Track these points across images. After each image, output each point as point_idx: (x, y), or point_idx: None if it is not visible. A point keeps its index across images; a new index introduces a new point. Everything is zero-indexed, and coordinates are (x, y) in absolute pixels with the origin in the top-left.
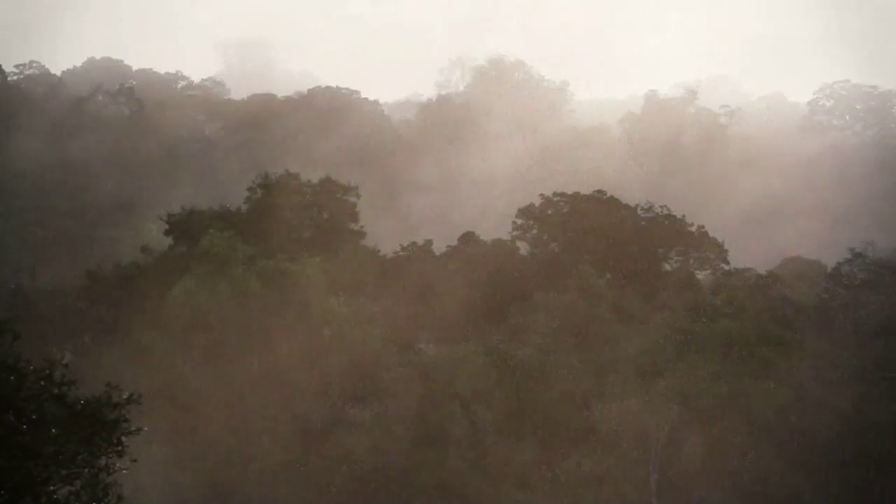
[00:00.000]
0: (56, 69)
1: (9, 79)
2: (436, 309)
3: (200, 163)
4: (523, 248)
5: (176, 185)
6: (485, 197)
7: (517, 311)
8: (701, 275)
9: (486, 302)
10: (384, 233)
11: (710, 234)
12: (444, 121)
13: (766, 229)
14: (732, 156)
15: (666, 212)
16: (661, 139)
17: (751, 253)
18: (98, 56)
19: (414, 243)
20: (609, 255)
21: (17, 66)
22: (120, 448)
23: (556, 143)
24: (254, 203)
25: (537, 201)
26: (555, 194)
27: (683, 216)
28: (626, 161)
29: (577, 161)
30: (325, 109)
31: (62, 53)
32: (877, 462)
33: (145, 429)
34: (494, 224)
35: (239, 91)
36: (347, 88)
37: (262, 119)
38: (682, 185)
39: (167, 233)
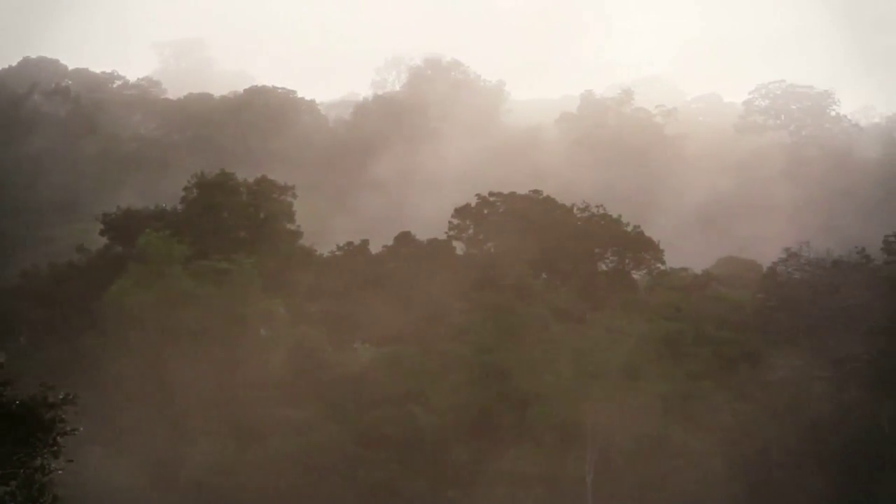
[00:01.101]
0: None
1: None
2: (373, 309)
3: (137, 162)
4: (459, 247)
5: (112, 185)
6: (431, 196)
7: (454, 311)
8: (637, 275)
9: (422, 302)
10: (333, 232)
11: (647, 233)
12: (381, 120)
13: (703, 229)
14: (669, 156)
15: (602, 212)
16: (598, 139)
17: (689, 252)
18: (33, 55)
19: (350, 243)
20: (545, 255)
21: None
22: (56, 448)
23: (495, 142)
24: (190, 203)
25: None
26: (491, 194)
27: (620, 216)
28: (563, 161)
29: (516, 161)
30: (262, 109)
31: None
32: (817, 461)
33: (81, 429)
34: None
35: (175, 91)
36: (284, 88)
37: (198, 119)
38: (618, 185)
39: (103, 233)
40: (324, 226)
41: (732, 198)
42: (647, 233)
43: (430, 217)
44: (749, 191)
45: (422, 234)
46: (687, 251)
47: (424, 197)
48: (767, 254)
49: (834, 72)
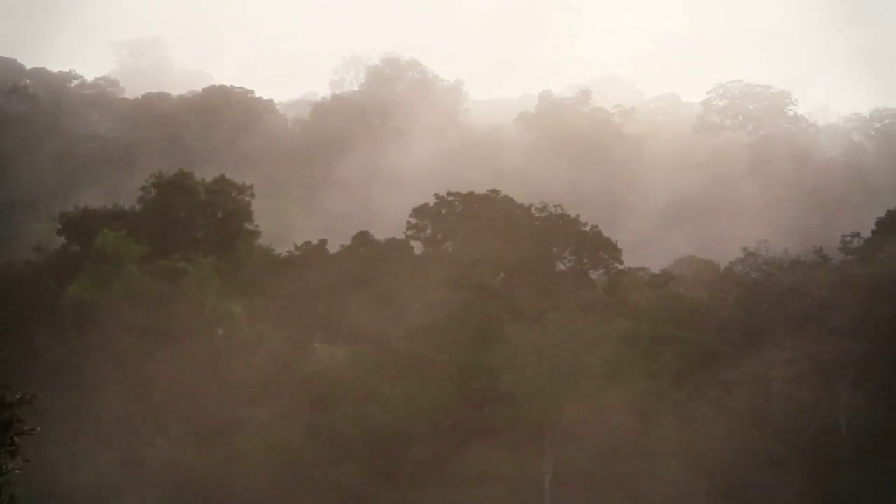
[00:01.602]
0: None
1: None
2: (331, 308)
3: (95, 162)
4: (418, 247)
5: (71, 185)
6: (391, 195)
7: (412, 310)
8: (595, 274)
9: (380, 301)
10: (296, 231)
11: (606, 233)
12: (340, 120)
13: (664, 228)
14: (628, 155)
15: (560, 211)
16: (556, 139)
17: (651, 252)
18: None
19: (308, 243)
20: (503, 255)
21: None
22: (13, 448)
23: (454, 142)
24: (148, 202)
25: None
26: (449, 194)
27: (578, 216)
28: (522, 161)
29: (475, 160)
30: (220, 109)
31: None
32: (776, 460)
33: (38, 429)
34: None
35: (133, 90)
36: (242, 88)
37: (156, 118)
38: (577, 185)
39: (60, 232)
40: (286, 225)
41: (694, 197)
42: (607, 232)
43: (388, 217)
44: (710, 190)
45: (381, 234)
46: (649, 251)
47: (384, 197)
48: (728, 253)
49: (791, 72)
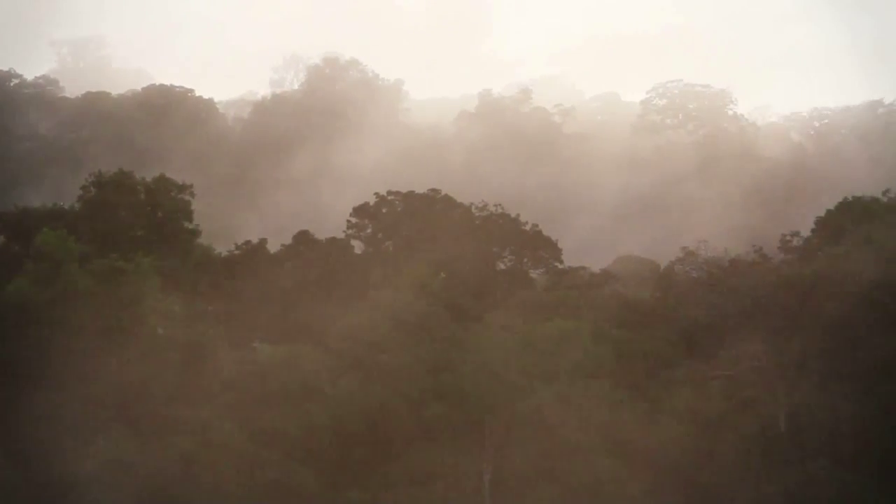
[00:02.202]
0: None
1: None
2: (271, 308)
3: (35, 161)
4: (358, 246)
5: (10, 184)
6: (330, 195)
7: (353, 309)
8: (535, 273)
9: (321, 301)
10: (241, 231)
11: (546, 232)
12: (280, 119)
13: (605, 227)
14: (568, 154)
15: (500, 211)
16: (496, 138)
17: (592, 251)
18: None
19: (249, 242)
20: (444, 254)
21: None
22: None
23: (394, 141)
24: (87, 202)
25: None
26: (389, 193)
27: (518, 215)
28: (462, 160)
29: (415, 160)
30: (161, 107)
31: None
32: (713, 459)
33: None
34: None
35: (73, 89)
36: (182, 86)
37: (97, 117)
38: (518, 184)
39: (0, 231)
40: (231, 225)
41: (637, 197)
42: (549, 232)
43: (337, 216)
44: (653, 190)
45: (330, 233)
46: (591, 250)
47: (332, 195)
48: (670, 253)
49: (731, 71)
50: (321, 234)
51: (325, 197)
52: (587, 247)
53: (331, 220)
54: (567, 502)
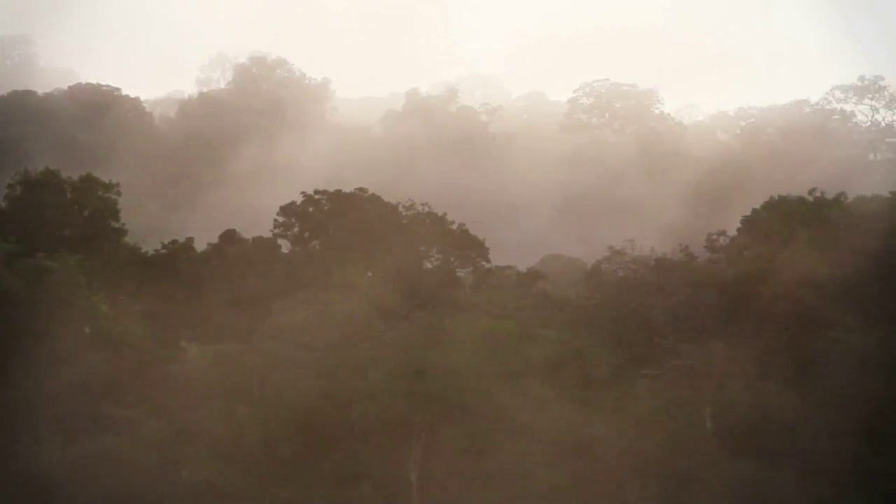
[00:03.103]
0: None
1: None
2: (198, 307)
3: None
4: (285, 245)
5: None
6: (257, 194)
7: (280, 309)
8: (462, 273)
9: (248, 300)
10: (173, 229)
11: (473, 231)
12: (206, 119)
13: (531, 226)
14: (495, 153)
15: (427, 210)
16: (423, 137)
17: (513, 250)
18: None
19: (175, 241)
20: (371, 253)
21: None
22: None
23: (321, 140)
24: (13, 201)
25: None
26: (316, 192)
27: (445, 214)
28: (389, 159)
29: (342, 158)
30: (87, 106)
31: None
32: (640, 458)
33: None
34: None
35: None
36: (108, 85)
37: (23, 116)
38: (444, 182)
39: None
40: (160, 224)
41: (563, 195)
42: (475, 230)
43: (257, 215)
44: (579, 189)
45: (254, 232)
46: (519, 248)
47: (253, 195)
48: (597, 251)
49: (657, 71)
50: (254, 233)
51: (255, 196)
52: (515, 246)
53: (260, 220)
54: (495, 500)
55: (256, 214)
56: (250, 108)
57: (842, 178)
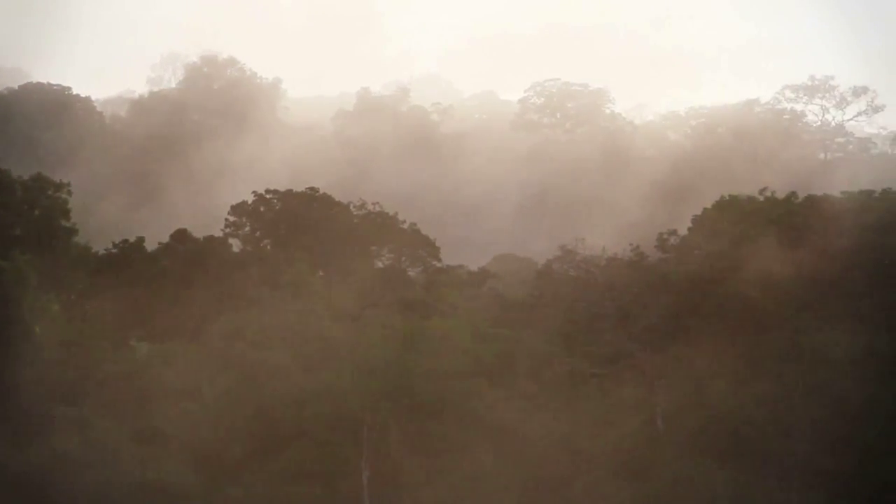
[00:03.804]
0: None
1: None
2: (149, 306)
3: None
4: (236, 245)
5: None
6: (208, 194)
7: (231, 308)
8: (413, 272)
9: (199, 299)
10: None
11: (425, 230)
12: (158, 118)
13: (480, 225)
14: (446, 153)
15: (378, 209)
16: (374, 137)
17: (465, 249)
18: None
19: (126, 241)
20: (322, 253)
21: None
22: None
23: (271, 140)
24: None
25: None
26: (267, 191)
27: (396, 213)
28: (340, 158)
29: (293, 158)
30: (39, 106)
31: None
32: (588, 458)
33: None
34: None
35: None
36: (59, 85)
37: None
38: (396, 182)
39: None
40: (113, 222)
41: (513, 195)
42: (426, 230)
43: (208, 214)
44: (530, 188)
45: (200, 232)
46: (470, 248)
47: (202, 195)
48: (547, 251)
49: (608, 70)
50: (206, 233)
51: (207, 195)
52: (468, 245)
53: (212, 219)
54: (446, 499)
55: (209, 214)
56: (202, 107)
57: (792, 177)
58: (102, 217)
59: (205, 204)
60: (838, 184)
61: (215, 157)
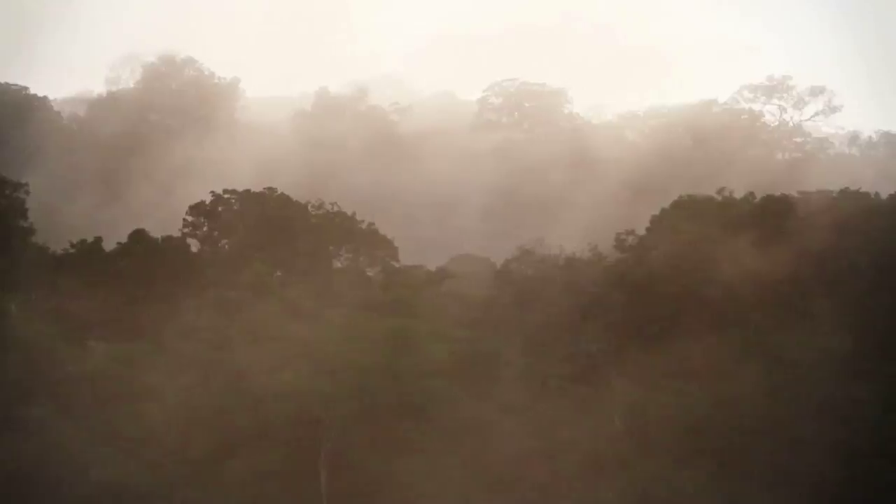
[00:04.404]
0: None
1: None
2: (106, 306)
3: None
4: (194, 245)
5: None
6: (167, 194)
7: (189, 308)
8: (371, 272)
9: (156, 299)
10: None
11: (382, 230)
12: (116, 118)
13: (438, 224)
14: (405, 153)
15: (337, 209)
16: (333, 137)
17: (424, 249)
18: None
19: (84, 240)
20: (279, 252)
21: None
22: None
23: (230, 140)
24: None
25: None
26: (225, 191)
27: (354, 213)
28: (299, 158)
29: (252, 158)
30: None
31: None
32: (544, 459)
33: None
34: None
35: None
36: (16, 84)
37: None
38: (354, 182)
39: None
40: (66, 223)
41: (473, 195)
42: (384, 230)
43: (166, 214)
44: (490, 188)
45: (159, 231)
46: (431, 248)
47: (161, 194)
48: (507, 252)
49: (566, 70)
50: (165, 233)
51: (165, 195)
52: (426, 245)
53: (171, 219)
54: (403, 499)
55: (172, 214)
56: (161, 107)
57: (750, 177)
58: (67, 218)
59: (168, 204)
60: (796, 184)
61: (175, 157)
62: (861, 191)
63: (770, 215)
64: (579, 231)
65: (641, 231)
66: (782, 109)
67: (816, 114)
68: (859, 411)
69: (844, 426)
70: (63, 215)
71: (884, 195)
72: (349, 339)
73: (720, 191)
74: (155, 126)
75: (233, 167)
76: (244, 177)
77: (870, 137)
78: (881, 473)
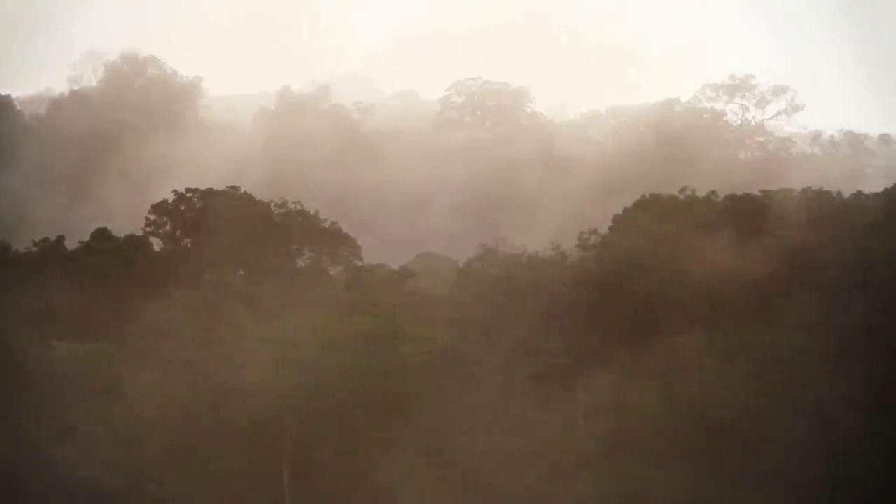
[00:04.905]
0: None
1: None
2: (69, 305)
3: None
4: (157, 244)
5: None
6: (130, 193)
7: (151, 307)
8: (334, 271)
9: (119, 298)
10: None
11: (346, 228)
12: (78, 117)
13: (402, 223)
14: (368, 152)
15: (300, 208)
16: (295, 136)
17: (387, 248)
18: None
19: (46, 239)
20: (242, 251)
21: None
22: None
23: (192, 138)
24: None
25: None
26: (188, 190)
27: (317, 212)
28: (261, 157)
29: (214, 157)
30: None
31: None
32: (508, 459)
33: None
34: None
35: None
36: None
37: None
38: (317, 181)
39: None
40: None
41: (436, 194)
42: (348, 228)
43: (135, 214)
44: (453, 187)
45: (121, 230)
46: (394, 246)
47: (124, 193)
48: (470, 251)
49: (528, 69)
50: (127, 231)
51: (128, 194)
52: (394, 244)
53: (134, 218)
54: (371, 497)
55: (137, 213)
56: (123, 106)
57: (712, 176)
58: (35, 217)
59: (133, 202)
60: (759, 183)
61: (143, 156)
62: (824, 190)
63: (732, 214)
64: (548, 230)
65: (604, 230)
66: (744, 108)
67: (779, 113)
68: (831, 410)
69: (816, 424)
70: (31, 214)
71: (846, 194)
72: (312, 338)
73: (682, 190)
74: (120, 125)
75: (202, 166)
76: (213, 175)
77: (832, 136)
78: (857, 472)
